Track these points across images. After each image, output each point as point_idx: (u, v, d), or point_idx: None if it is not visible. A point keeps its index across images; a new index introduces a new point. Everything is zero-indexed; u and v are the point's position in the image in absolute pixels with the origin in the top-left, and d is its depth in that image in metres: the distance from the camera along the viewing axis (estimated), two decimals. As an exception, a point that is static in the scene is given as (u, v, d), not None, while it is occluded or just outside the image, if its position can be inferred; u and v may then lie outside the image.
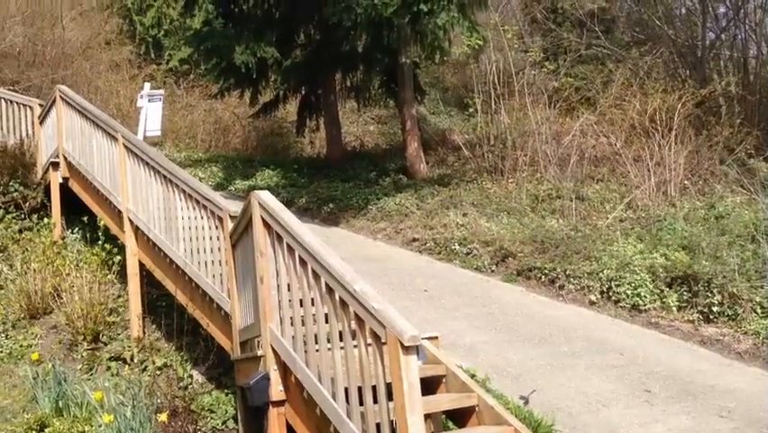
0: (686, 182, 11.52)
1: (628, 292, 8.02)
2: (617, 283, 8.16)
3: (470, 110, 15.41)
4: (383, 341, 3.63)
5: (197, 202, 6.41)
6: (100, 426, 5.41)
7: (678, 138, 11.95)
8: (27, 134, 10.46)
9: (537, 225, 10.05)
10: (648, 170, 11.47)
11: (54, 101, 9.45)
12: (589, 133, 13.24)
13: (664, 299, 7.86)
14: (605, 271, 8.34)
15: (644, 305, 7.87)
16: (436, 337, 5.41)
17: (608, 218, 10.30)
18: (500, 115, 13.91)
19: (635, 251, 8.76)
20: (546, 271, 8.78)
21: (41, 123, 10.18)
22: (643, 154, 11.89)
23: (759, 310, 7.44)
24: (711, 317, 7.55)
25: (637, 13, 19.18)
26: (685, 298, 7.81)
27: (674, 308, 7.75)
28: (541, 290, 8.66)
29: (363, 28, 12.44)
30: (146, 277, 7.66)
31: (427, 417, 4.67)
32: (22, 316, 7.84)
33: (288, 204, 11.30)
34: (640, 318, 7.75)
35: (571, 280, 8.51)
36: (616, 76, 15.15)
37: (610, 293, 8.15)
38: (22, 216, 9.41)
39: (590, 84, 15.95)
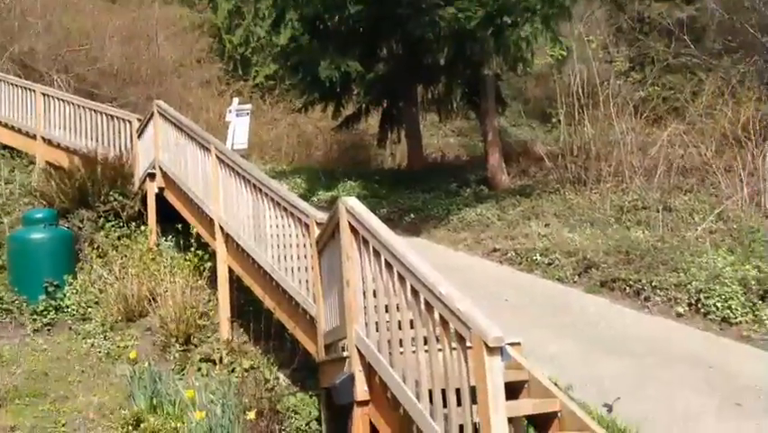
0: (782, 193, 11.06)
1: (718, 305, 7.76)
2: (706, 295, 7.90)
3: (553, 121, 15.27)
4: (468, 343, 3.68)
5: (285, 210, 6.63)
6: (192, 423, 5.65)
7: (773, 147, 11.49)
8: (126, 147, 11.04)
9: (622, 236, 9.84)
10: (740, 181, 11.05)
11: (152, 115, 9.95)
12: (678, 144, 12.88)
13: (757, 313, 7.57)
14: (693, 283, 8.10)
15: (735, 318, 7.60)
16: (519, 343, 5.40)
17: (696, 230, 9.98)
18: (584, 125, 13.73)
19: (725, 263, 8.47)
20: (631, 283, 8.60)
21: (138, 136, 10.73)
22: (734, 164, 11.46)
23: None
24: (808, 332, 7.24)
25: (729, 21, 18.55)
26: (780, 312, 7.52)
27: (768, 322, 7.47)
28: (625, 302, 8.48)
29: (446, 41, 12.55)
30: (235, 282, 7.96)
31: (509, 421, 4.66)
32: (120, 318, 8.27)
33: (370, 214, 11.48)
34: (731, 332, 7.48)
35: (658, 291, 8.29)
36: (706, 85, 14.68)
37: (699, 305, 7.90)
38: (121, 223, 9.94)
39: (679, 93, 15.53)
